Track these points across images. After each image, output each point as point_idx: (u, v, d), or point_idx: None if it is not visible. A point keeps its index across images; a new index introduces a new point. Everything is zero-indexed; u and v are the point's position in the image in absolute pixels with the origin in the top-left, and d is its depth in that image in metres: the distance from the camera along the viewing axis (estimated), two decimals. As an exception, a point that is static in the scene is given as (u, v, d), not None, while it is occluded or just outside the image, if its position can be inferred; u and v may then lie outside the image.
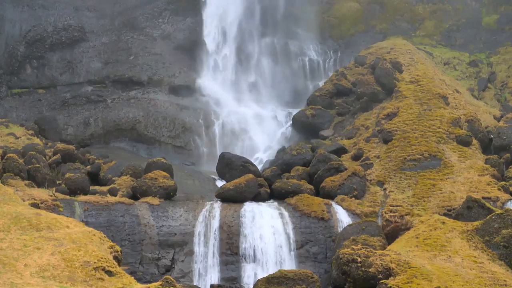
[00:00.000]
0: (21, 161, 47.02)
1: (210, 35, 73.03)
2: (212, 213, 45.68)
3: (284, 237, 45.05)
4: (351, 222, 45.32)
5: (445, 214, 44.94)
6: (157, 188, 46.90)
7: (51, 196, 44.00)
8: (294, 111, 66.20)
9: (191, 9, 72.18)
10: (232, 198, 47.31)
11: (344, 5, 79.23)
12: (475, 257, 38.29)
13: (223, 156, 53.32)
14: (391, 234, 45.05)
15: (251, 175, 48.79)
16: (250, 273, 43.87)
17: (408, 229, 43.89)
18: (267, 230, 45.06)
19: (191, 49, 70.91)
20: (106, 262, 32.00)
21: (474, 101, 64.21)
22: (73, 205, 44.16)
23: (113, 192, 46.73)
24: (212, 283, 43.68)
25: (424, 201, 47.30)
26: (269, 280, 37.91)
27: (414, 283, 34.89)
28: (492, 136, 55.32)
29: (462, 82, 69.13)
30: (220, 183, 53.72)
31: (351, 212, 46.84)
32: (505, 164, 51.53)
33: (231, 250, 44.49)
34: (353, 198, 48.13)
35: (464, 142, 53.12)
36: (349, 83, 65.04)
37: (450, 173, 49.66)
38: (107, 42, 69.59)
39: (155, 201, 46.19)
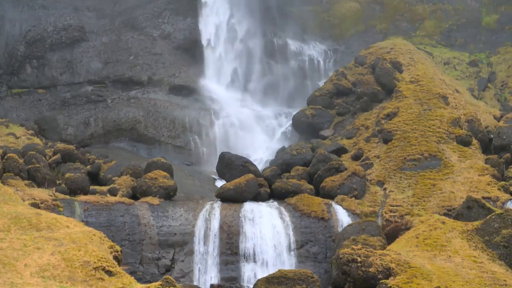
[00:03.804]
0: (21, 161, 47.02)
1: (210, 35, 73.03)
2: (212, 213, 45.69)
3: (284, 237, 45.06)
4: (351, 222, 45.33)
5: (445, 214, 44.94)
6: (157, 188, 46.90)
7: (51, 196, 43.99)
8: (294, 111, 66.18)
9: (191, 9, 72.18)
10: (232, 198, 47.30)
11: (344, 5, 79.28)
12: (475, 257, 38.29)
13: (223, 156, 53.31)
14: (391, 234, 45.05)
15: (251, 175, 48.79)
16: (250, 273, 43.88)
17: (408, 229, 43.88)
18: (267, 230, 45.07)
19: (191, 49, 70.91)
20: (106, 262, 31.99)
21: (474, 101, 64.21)
22: (73, 205, 44.17)
23: (113, 192, 46.74)
24: (212, 283, 43.70)
25: (424, 201, 47.30)
26: (269, 280, 37.91)
27: (414, 283, 34.89)
28: (492, 136, 55.30)
29: (462, 82, 69.14)
30: (220, 183, 53.72)
31: (351, 212, 46.85)
32: (505, 164, 51.51)
33: (231, 250, 44.50)
34: (353, 198, 48.13)
35: (464, 142, 53.11)
36: (349, 83, 65.00)
37: (450, 173, 49.65)
38: (107, 42, 69.60)
39: (155, 201, 46.19)
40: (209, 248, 44.56)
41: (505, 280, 36.37)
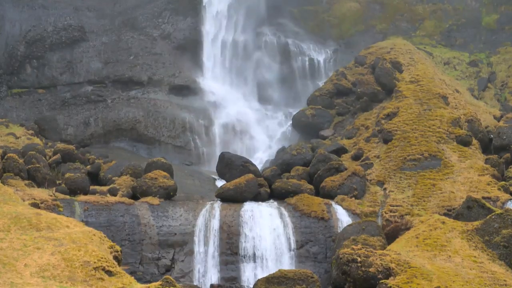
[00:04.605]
0: (21, 161, 47.02)
1: (210, 35, 73.05)
2: (212, 213, 45.69)
3: (284, 237, 45.06)
4: (351, 222, 45.33)
5: (445, 214, 44.94)
6: (157, 188, 46.90)
7: (51, 196, 44.00)
8: (294, 111, 66.20)
9: (191, 9, 72.21)
10: (232, 198, 47.30)
11: (344, 5, 79.27)
12: (475, 257, 38.30)
13: (223, 156, 53.31)
14: (391, 234, 45.04)
15: (251, 175, 48.78)
16: (250, 273, 43.88)
17: (408, 229, 43.88)
18: (267, 230, 45.07)
19: (191, 49, 70.92)
20: (106, 262, 32.00)
21: (474, 101, 64.21)
22: (73, 205, 44.17)
23: (113, 192, 46.74)
24: (212, 283, 43.71)
25: (424, 201, 47.30)
26: (269, 280, 37.90)
27: (414, 283, 34.89)
28: (492, 136, 55.29)
29: (462, 82, 69.15)
30: (220, 183, 53.73)
31: (351, 212, 46.84)
32: (505, 164, 51.51)
33: (231, 250, 44.51)
34: (353, 198, 48.13)
35: (464, 142, 53.10)
36: (349, 83, 65.01)
37: (450, 173, 49.65)
38: (107, 42, 69.63)
39: (155, 201, 46.19)
40: (209, 248, 44.56)
41: (505, 280, 36.38)
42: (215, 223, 45.12)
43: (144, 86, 68.19)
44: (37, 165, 47.43)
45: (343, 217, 46.24)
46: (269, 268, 43.32)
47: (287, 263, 44.15)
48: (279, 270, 38.60)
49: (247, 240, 44.61)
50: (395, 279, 35.37)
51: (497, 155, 52.63)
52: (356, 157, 53.94)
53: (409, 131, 53.84)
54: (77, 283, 30.22)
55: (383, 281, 35.37)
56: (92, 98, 66.60)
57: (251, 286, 41.54)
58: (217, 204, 46.65)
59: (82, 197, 45.16)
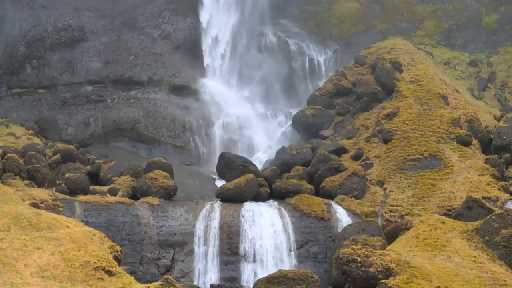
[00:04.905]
0: (21, 161, 47.03)
1: (209, 34, 73.07)
2: (212, 213, 45.69)
3: (284, 237, 45.06)
4: (351, 222, 45.34)
5: (445, 214, 44.94)
6: (157, 188, 46.91)
7: (51, 196, 43.99)
8: (294, 111, 66.19)
9: (191, 9, 72.23)
10: (232, 198, 47.31)
11: (344, 5, 79.29)
12: (475, 257, 38.30)
13: (223, 156, 53.31)
14: (391, 234, 45.06)
15: (251, 175, 48.78)
16: (250, 273, 43.89)
17: (408, 229, 43.89)
18: (267, 230, 45.07)
19: (191, 49, 70.93)
20: (106, 262, 32.01)
21: (474, 101, 64.19)
22: (73, 205, 44.17)
23: (113, 192, 46.74)
24: (212, 283, 43.70)
25: (424, 201, 47.30)
26: (269, 280, 37.88)
27: (414, 283, 34.90)
28: (492, 136, 55.26)
29: (462, 82, 69.13)
30: (220, 183, 53.74)
31: (351, 212, 46.85)
32: (505, 164, 51.50)
33: (231, 250, 44.51)
34: (353, 198, 48.14)
35: (464, 142, 53.10)
36: (349, 83, 64.98)
37: (450, 173, 49.65)
38: (107, 42, 69.63)
39: (155, 201, 46.20)
40: (209, 248, 44.57)
41: (505, 280, 36.38)
42: (215, 223, 45.13)
43: (144, 86, 68.18)
44: (37, 165, 47.44)
45: (343, 217, 46.24)
46: (269, 268, 43.32)
47: (287, 263, 44.15)
48: (279, 270, 38.57)
49: (247, 240, 44.62)
50: (395, 279, 35.37)
51: (497, 155, 52.60)
52: (356, 157, 53.94)
53: (409, 131, 53.84)
54: (77, 283, 30.23)
55: (383, 281, 35.38)
56: (92, 98, 66.60)
57: (251, 286, 41.53)
58: (217, 204, 46.65)
59: (82, 197, 45.17)
